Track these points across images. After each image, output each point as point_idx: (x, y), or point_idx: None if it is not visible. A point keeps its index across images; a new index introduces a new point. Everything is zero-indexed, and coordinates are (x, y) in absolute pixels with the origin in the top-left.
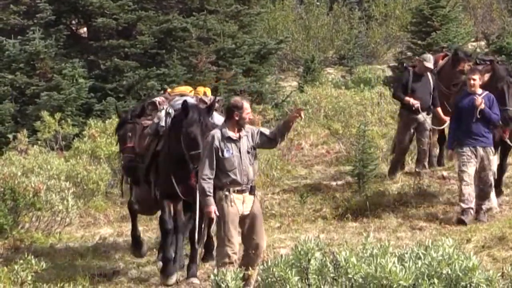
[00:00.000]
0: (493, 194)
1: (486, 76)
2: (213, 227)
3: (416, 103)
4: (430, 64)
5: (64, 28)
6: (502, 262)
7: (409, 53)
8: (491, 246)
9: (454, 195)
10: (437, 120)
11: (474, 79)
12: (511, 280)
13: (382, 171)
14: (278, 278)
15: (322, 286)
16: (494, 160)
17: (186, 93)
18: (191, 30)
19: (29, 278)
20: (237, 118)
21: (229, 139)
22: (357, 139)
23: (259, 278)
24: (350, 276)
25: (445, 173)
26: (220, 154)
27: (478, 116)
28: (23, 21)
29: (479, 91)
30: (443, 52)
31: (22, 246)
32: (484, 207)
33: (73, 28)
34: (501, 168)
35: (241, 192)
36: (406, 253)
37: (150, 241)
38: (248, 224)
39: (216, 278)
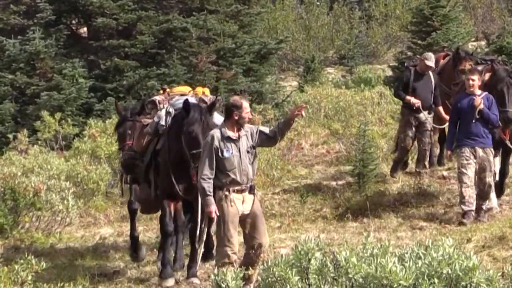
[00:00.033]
0: (493, 194)
1: (487, 76)
2: (213, 227)
3: (416, 102)
4: (431, 63)
5: (64, 28)
6: (502, 262)
7: (409, 53)
8: (491, 246)
9: (454, 195)
10: (438, 119)
11: (473, 80)
12: (511, 280)
13: (382, 171)
14: (278, 278)
15: (323, 286)
16: (497, 162)
17: (185, 93)
18: (191, 30)
19: (29, 278)
20: (236, 118)
21: (229, 139)
22: (357, 139)
23: (259, 278)
24: (350, 276)
25: (445, 173)
26: (219, 154)
27: (477, 117)
28: (23, 21)
29: (478, 91)
30: (444, 51)
31: (22, 246)
32: (484, 207)
33: (73, 28)
34: (504, 172)
35: (240, 191)
36: (406, 253)
37: (150, 241)
38: (250, 223)
39: (217, 278)
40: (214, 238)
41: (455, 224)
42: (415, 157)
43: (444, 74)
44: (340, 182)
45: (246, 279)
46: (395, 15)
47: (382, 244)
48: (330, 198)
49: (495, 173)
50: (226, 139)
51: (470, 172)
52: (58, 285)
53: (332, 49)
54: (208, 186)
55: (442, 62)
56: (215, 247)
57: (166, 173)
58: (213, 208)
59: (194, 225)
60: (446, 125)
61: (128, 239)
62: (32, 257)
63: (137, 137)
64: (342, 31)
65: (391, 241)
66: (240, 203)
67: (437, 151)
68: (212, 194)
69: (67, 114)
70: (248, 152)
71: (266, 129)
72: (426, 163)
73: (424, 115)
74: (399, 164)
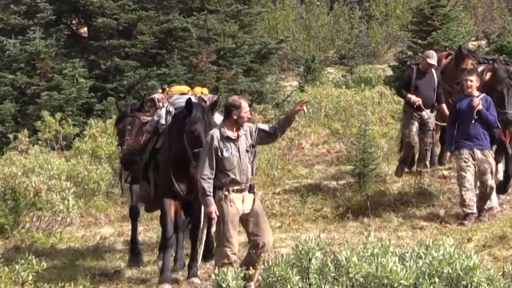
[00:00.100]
0: (494, 193)
1: (488, 75)
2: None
3: (417, 101)
4: (433, 61)
5: (65, 28)
6: (503, 261)
7: (409, 53)
8: (492, 245)
9: (455, 195)
10: (441, 117)
11: (471, 80)
12: None
13: (382, 171)
14: (279, 278)
15: (323, 286)
16: (500, 168)
17: (184, 92)
18: (191, 30)
19: (30, 278)
20: (235, 117)
21: (228, 139)
22: (358, 138)
23: (260, 278)
24: (351, 275)
25: (446, 173)
26: (219, 154)
27: (476, 117)
28: (23, 21)
29: (476, 93)
30: (446, 51)
31: (23, 246)
32: (485, 206)
33: (74, 28)
34: (507, 175)
35: (240, 191)
36: (407, 252)
37: (150, 241)
38: (252, 222)
39: (217, 277)
40: (214, 238)
41: (456, 224)
42: (416, 156)
43: (446, 73)
44: (340, 182)
45: (247, 279)
46: (396, 15)
47: (382, 244)
48: (331, 198)
49: (494, 174)
50: (225, 138)
51: (470, 174)
52: (59, 285)
53: (332, 49)
54: (208, 186)
55: (444, 61)
56: (214, 248)
57: (166, 172)
58: (213, 208)
59: (194, 225)
60: None
61: (128, 239)
62: (33, 257)
63: (135, 134)
64: (342, 31)
65: (391, 241)
66: (240, 203)
67: (438, 150)
68: (212, 194)
69: (67, 114)
70: (247, 151)
71: (265, 126)
72: (427, 162)
73: (426, 113)
74: (406, 163)
